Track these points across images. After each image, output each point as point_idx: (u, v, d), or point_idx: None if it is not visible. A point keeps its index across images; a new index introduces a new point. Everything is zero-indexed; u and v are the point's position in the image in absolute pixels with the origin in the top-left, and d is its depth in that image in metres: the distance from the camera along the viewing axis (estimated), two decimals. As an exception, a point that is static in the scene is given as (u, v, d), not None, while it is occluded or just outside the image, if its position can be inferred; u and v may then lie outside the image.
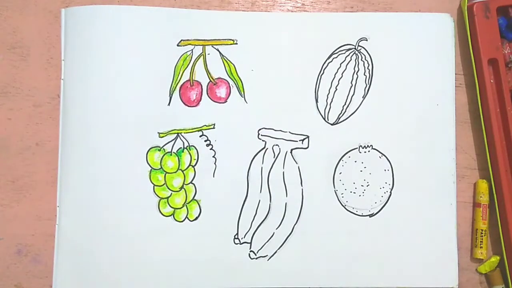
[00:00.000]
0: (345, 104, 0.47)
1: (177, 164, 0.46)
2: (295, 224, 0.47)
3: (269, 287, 0.46)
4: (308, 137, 0.47)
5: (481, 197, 0.48)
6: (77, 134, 0.46)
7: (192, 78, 0.47)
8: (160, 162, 0.46)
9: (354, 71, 0.48)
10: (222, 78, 0.47)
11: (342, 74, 0.47)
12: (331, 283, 0.47)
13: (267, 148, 0.47)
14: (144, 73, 0.46)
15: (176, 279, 0.46)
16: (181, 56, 0.47)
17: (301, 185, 0.47)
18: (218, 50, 0.47)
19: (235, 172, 0.46)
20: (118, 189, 0.46)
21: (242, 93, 0.47)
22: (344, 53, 0.48)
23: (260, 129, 0.47)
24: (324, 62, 0.48)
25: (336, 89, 0.47)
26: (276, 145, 0.47)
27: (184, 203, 0.46)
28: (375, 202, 0.47)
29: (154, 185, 0.46)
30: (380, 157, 0.47)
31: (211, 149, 0.47)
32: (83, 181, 0.46)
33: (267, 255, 0.47)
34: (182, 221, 0.46)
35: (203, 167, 0.47)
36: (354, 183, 0.47)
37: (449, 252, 0.47)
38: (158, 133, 0.46)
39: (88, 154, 0.46)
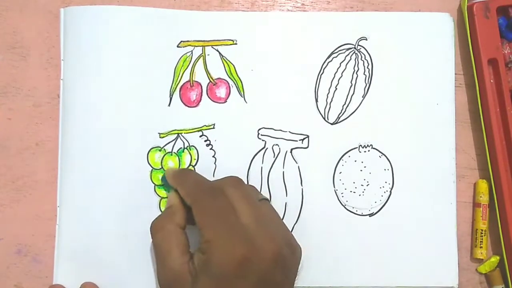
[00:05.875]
0: (345, 103, 0.47)
1: (178, 164, 0.47)
2: (295, 224, 0.47)
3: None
4: (308, 136, 0.47)
5: (481, 197, 0.48)
6: (77, 134, 0.46)
7: (192, 78, 0.47)
8: (161, 162, 0.46)
9: (354, 70, 0.48)
10: (222, 79, 0.47)
11: (342, 73, 0.47)
12: (331, 282, 0.47)
13: (267, 148, 0.47)
14: (144, 74, 0.46)
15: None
16: (181, 57, 0.47)
17: (301, 185, 0.47)
18: (218, 50, 0.47)
19: (235, 172, 0.46)
20: (119, 189, 0.46)
21: (242, 93, 0.47)
22: (344, 53, 0.48)
23: (260, 129, 0.47)
24: (324, 62, 0.48)
25: (336, 89, 0.47)
26: (276, 144, 0.47)
27: (184, 203, 0.47)
28: (375, 202, 0.47)
29: (155, 185, 0.46)
30: (380, 156, 0.47)
31: (211, 149, 0.47)
32: (83, 181, 0.46)
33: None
34: (182, 221, 0.46)
35: (203, 167, 0.47)
36: (354, 182, 0.47)
37: (449, 252, 0.47)
38: (159, 133, 0.46)
39: (88, 154, 0.46)
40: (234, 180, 0.42)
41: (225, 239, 0.37)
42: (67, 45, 0.47)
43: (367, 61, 0.48)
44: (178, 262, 0.38)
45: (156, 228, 0.41)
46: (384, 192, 0.47)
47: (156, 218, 0.42)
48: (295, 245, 0.41)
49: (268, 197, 0.47)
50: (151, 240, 0.45)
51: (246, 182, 0.47)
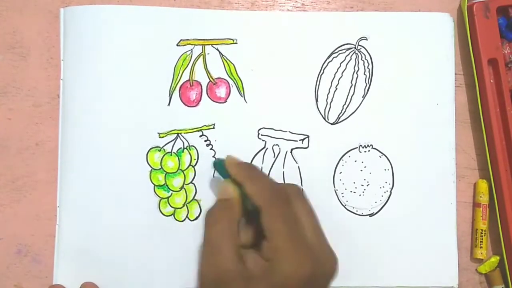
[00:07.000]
0: (345, 103, 0.47)
1: (177, 164, 0.47)
2: (295, 224, 0.47)
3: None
4: (308, 136, 0.47)
5: (481, 197, 0.48)
6: (77, 134, 0.46)
7: (191, 78, 0.47)
8: (160, 162, 0.46)
9: (354, 70, 0.48)
10: (222, 78, 0.47)
11: (342, 73, 0.47)
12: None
13: (267, 148, 0.47)
14: (144, 73, 0.46)
15: (177, 278, 0.46)
16: (180, 56, 0.47)
17: (301, 185, 0.47)
18: (217, 49, 0.47)
19: (235, 172, 0.46)
20: (118, 189, 0.46)
21: (242, 93, 0.47)
22: (344, 53, 0.48)
23: (260, 129, 0.47)
24: (324, 62, 0.48)
25: (336, 89, 0.47)
26: (276, 144, 0.47)
27: (185, 203, 0.47)
28: (375, 202, 0.47)
29: (155, 185, 0.46)
30: (380, 156, 0.47)
31: (211, 149, 0.47)
32: (83, 181, 0.46)
33: (267, 255, 0.46)
34: (182, 221, 0.46)
35: (203, 167, 0.47)
36: (354, 182, 0.47)
37: (449, 252, 0.47)
38: (158, 133, 0.46)
39: (88, 154, 0.46)
40: (298, 190, 0.41)
41: (294, 252, 0.36)
42: (67, 45, 0.47)
43: (367, 61, 0.48)
44: (230, 261, 0.37)
45: (212, 219, 0.39)
46: (384, 192, 0.47)
47: (212, 209, 0.40)
48: (336, 257, 0.40)
49: None
50: (151, 239, 0.45)
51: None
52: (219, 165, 0.43)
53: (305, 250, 0.37)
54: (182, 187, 0.47)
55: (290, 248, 0.36)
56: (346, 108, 0.47)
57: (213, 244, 0.38)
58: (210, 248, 0.38)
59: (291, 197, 0.39)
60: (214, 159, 0.46)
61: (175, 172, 0.47)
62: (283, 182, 0.47)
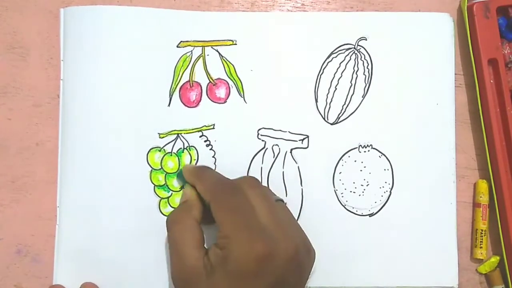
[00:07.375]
0: (344, 103, 0.47)
1: (178, 164, 0.47)
2: (295, 224, 0.47)
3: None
4: (307, 136, 0.47)
5: (481, 197, 0.48)
6: (77, 134, 0.46)
7: (191, 79, 0.47)
8: (161, 162, 0.46)
9: (354, 70, 0.48)
10: (221, 79, 0.47)
11: (341, 73, 0.47)
12: (331, 282, 0.47)
13: (266, 148, 0.47)
14: (144, 74, 0.46)
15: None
16: (180, 57, 0.47)
17: (301, 185, 0.47)
18: (217, 51, 0.47)
19: (235, 172, 0.46)
20: (118, 189, 0.46)
21: (242, 93, 0.47)
22: (344, 53, 0.48)
23: (259, 129, 0.47)
24: (324, 62, 0.48)
25: (336, 89, 0.47)
26: (276, 145, 0.47)
27: (184, 203, 0.47)
28: (375, 202, 0.47)
29: (155, 185, 0.46)
30: (380, 156, 0.47)
31: (211, 149, 0.47)
32: (83, 181, 0.46)
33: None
34: (182, 221, 0.46)
35: (203, 167, 0.47)
36: (354, 182, 0.47)
37: (449, 252, 0.47)
38: (158, 133, 0.46)
39: (88, 154, 0.46)
40: (252, 180, 0.42)
41: (244, 236, 0.37)
42: (67, 45, 0.47)
43: (366, 61, 0.48)
44: (193, 257, 0.38)
45: (172, 221, 0.41)
46: (384, 192, 0.47)
47: (173, 212, 0.43)
48: (310, 247, 0.41)
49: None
50: (151, 239, 0.45)
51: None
52: (180, 174, 0.46)
53: (256, 232, 0.37)
54: (182, 187, 0.47)
55: (239, 234, 0.37)
56: (346, 108, 0.47)
57: (176, 243, 0.40)
58: (174, 247, 0.40)
59: (243, 187, 0.40)
60: (214, 159, 0.47)
61: (175, 172, 0.47)
62: (283, 182, 0.47)
